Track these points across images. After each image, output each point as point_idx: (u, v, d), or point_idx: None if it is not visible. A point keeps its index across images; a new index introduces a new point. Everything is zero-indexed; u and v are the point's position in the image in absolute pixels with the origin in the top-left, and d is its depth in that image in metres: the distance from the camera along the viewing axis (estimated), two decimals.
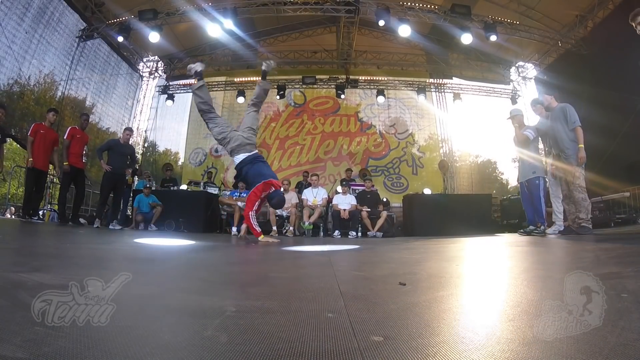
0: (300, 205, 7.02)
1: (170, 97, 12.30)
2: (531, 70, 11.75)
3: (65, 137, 5.79)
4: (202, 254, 2.30)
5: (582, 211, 4.12)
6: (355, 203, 6.83)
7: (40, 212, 8.90)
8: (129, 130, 6.39)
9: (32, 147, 5.39)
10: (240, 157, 3.83)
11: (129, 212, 7.34)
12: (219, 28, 8.99)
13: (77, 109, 9.95)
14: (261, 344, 0.62)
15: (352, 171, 10.12)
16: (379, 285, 1.25)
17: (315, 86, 12.66)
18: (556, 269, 1.71)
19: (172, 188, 8.32)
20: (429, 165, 12.53)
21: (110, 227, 5.78)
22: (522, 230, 4.86)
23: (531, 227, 4.65)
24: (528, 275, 1.52)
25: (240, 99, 12.40)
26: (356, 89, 12.85)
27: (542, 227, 4.60)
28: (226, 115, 13.12)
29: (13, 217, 8.78)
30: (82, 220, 6.15)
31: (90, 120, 8.12)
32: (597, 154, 7.50)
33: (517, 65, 12.00)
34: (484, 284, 1.33)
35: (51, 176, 9.01)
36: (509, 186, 13.96)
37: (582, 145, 4.19)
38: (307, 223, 6.62)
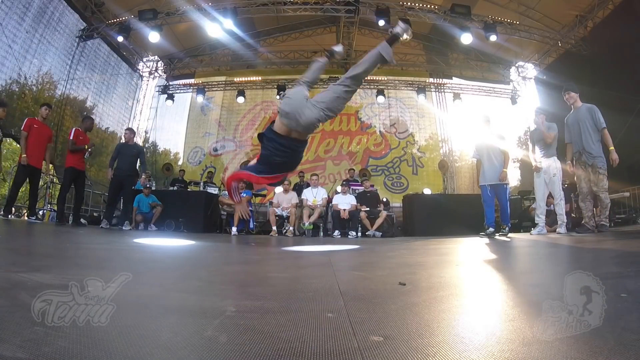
0: (300, 205, 7.02)
1: (170, 97, 12.29)
2: (531, 70, 11.75)
3: (71, 138, 5.80)
4: (202, 254, 2.30)
5: (602, 206, 4.28)
6: (355, 203, 6.83)
7: (40, 212, 8.91)
8: (127, 130, 6.42)
9: (26, 143, 5.18)
10: None
11: None
12: (219, 28, 8.98)
13: (77, 109, 9.95)
14: (261, 344, 0.62)
15: (354, 171, 10.11)
16: (379, 285, 1.25)
17: (316, 86, 12.64)
18: (556, 269, 1.71)
19: (171, 188, 8.32)
20: (429, 165, 12.53)
21: (123, 227, 5.87)
22: (482, 233, 4.74)
23: (491, 229, 4.68)
24: (528, 275, 1.52)
25: (240, 99, 12.39)
26: None
27: (507, 229, 4.70)
28: (225, 115, 13.13)
29: (12, 217, 8.77)
30: (82, 221, 6.17)
31: None
32: None
33: (517, 65, 11.99)
34: (484, 284, 1.33)
35: (51, 176, 9.02)
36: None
37: (613, 148, 4.26)
38: (306, 223, 6.62)
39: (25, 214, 5.62)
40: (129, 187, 6.03)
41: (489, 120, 5.10)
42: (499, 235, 4.69)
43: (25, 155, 5.15)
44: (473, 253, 2.72)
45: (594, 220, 4.40)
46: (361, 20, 9.95)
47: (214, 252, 2.44)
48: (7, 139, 6.21)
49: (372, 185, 7.89)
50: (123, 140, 6.32)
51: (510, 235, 4.69)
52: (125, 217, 6.13)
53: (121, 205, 6.35)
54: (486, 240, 4.05)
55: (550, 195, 4.87)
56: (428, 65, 12.63)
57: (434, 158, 12.59)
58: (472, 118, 12.34)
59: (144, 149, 7.90)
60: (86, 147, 5.78)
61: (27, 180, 5.42)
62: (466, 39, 9.16)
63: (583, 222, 4.51)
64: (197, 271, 1.66)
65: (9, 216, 5.37)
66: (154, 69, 12.60)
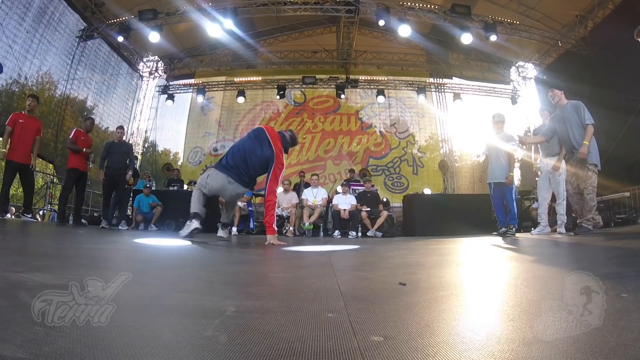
0: (300, 205, 7.02)
1: (170, 97, 12.29)
2: (531, 70, 11.74)
3: (71, 137, 5.79)
4: (202, 254, 2.30)
5: (586, 208, 4.16)
6: (355, 203, 6.83)
7: (40, 212, 8.91)
8: (120, 129, 6.44)
9: (9, 138, 5.04)
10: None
11: (129, 212, 7.35)
12: (219, 28, 8.99)
13: (77, 109, 9.95)
14: (261, 344, 0.62)
15: (354, 171, 10.10)
16: (379, 285, 1.25)
17: (316, 86, 12.66)
18: (556, 269, 1.71)
19: (171, 188, 8.32)
20: (430, 165, 12.53)
21: (120, 227, 5.90)
22: (495, 233, 4.98)
23: (504, 229, 4.78)
24: (528, 275, 1.52)
25: (240, 99, 12.40)
26: (356, 88, 12.85)
27: (514, 229, 4.75)
28: (225, 115, 13.13)
29: (12, 217, 8.78)
30: (83, 221, 6.18)
31: None
32: None
33: (517, 65, 11.99)
34: (484, 284, 1.33)
35: (51, 176, 9.02)
36: None
37: (587, 143, 4.12)
38: (307, 223, 6.62)
39: (21, 212, 5.52)
40: (122, 184, 6.02)
41: (503, 120, 5.06)
42: (507, 234, 4.72)
43: (4, 150, 5.02)
44: (473, 253, 2.72)
45: (593, 220, 4.36)
46: (361, 20, 9.95)
47: (214, 252, 2.44)
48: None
49: (372, 186, 7.89)
50: (115, 139, 6.30)
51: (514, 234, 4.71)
52: (121, 216, 6.12)
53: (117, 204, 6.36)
54: (487, 240, 4.05)
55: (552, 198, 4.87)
56: (428, 65, 12.64)
57: (434, 158, 12.59)
58: (473, 117, 12.37)
59: (132, 147, 7.86)
60: (84, 149, 5.76)
61: (19, 178, 5.27)
62: (466, 39, 9.17)
63: (581, 222, 4.48)
64: (197, 271, 1.65)
65: (7, 216, 5.34)
66: (154, 69, 12.60)
